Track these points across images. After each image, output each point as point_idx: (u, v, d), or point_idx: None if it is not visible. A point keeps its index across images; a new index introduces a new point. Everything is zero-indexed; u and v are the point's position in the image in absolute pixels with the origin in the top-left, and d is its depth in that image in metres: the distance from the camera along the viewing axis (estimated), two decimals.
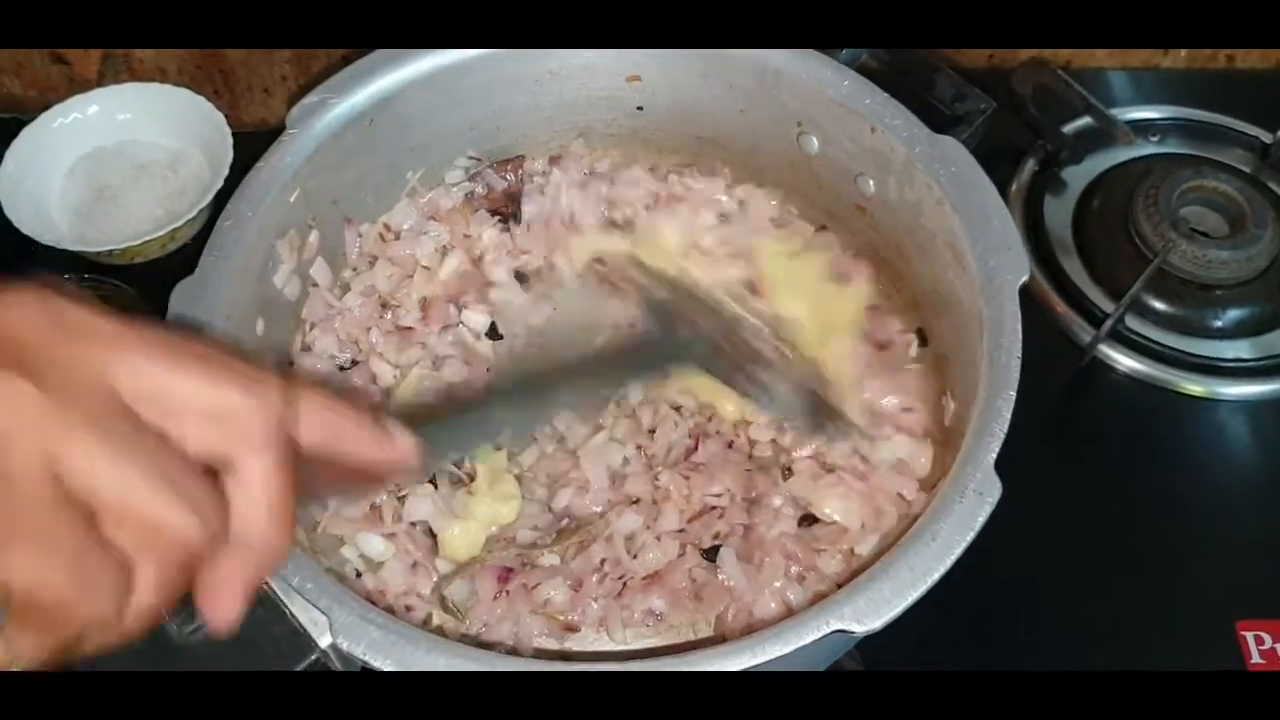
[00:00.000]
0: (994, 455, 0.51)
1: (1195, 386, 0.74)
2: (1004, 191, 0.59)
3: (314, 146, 0.62)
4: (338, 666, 0.50)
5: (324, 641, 0.48)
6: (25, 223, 0.74)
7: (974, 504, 0.49)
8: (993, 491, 0.50)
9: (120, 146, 0.81)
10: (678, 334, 0.63)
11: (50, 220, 0.77)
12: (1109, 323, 0.73)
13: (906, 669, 0.60)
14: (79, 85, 0.83)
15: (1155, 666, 0.62)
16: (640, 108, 0.71)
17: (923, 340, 0.65)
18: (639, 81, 0.69)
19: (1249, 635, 0.63)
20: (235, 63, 0.86)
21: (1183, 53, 0.92)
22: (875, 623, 0.47)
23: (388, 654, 0.47)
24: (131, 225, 0.76)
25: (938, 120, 0.61)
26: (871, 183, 0.64)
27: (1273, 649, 0.63)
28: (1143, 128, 0.86)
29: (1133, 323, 0.76)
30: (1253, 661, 0.62)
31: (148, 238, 0.73)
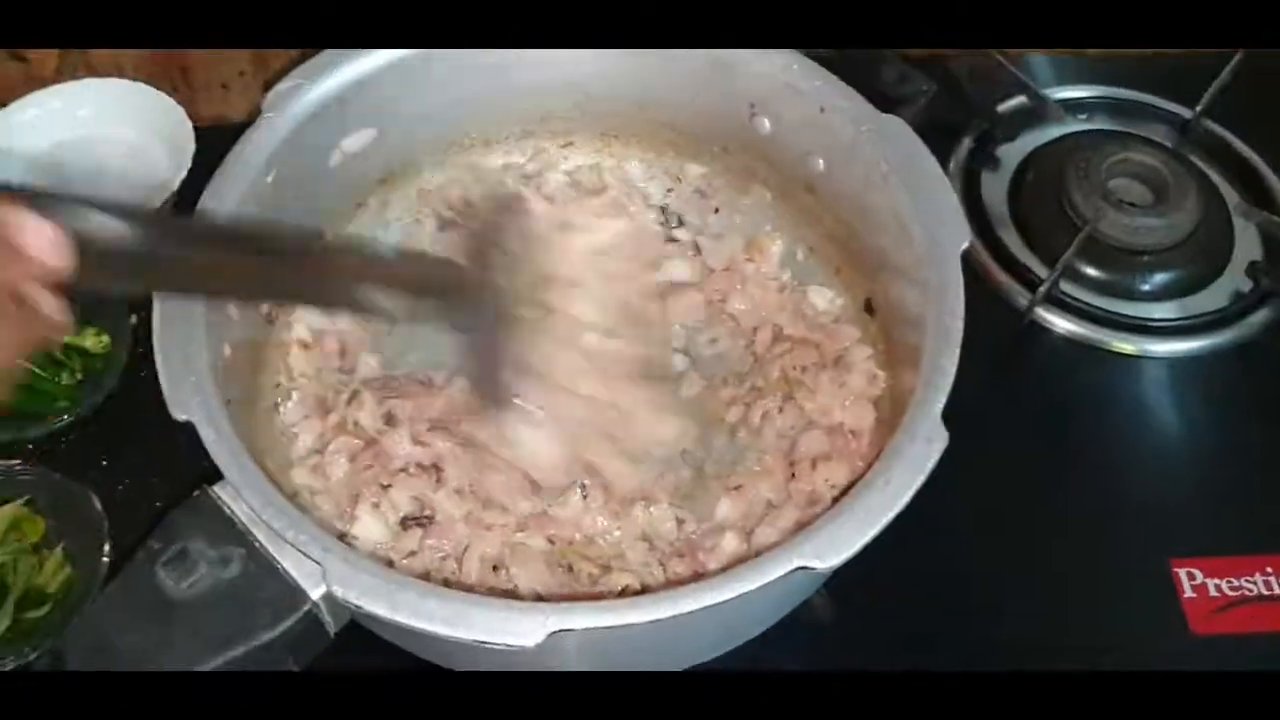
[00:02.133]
0: (940, 405, 0.55)
1: (1126, 345, 0.79)
2: (943, 168, 0.63)
3: (289, 129, 0.64)
4: (328, 620, 0.52)
5: (317, 592, 0.51)
6: None
7: (923, 450, 0.54)
8: (940, 438, 0.54)
9: (80, 141, 0.81)
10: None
11: None
12: (1044, 286, 0.78)
13: (865, 612, 0.65)
14: (36, 82, 0.83)
15: (1095, 606, 0.67)
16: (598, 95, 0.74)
17: (869, 310, 0.70)
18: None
19: (1181, 572, 0.69)
20: (193, 59, 0.88)
21: None
22: (835, 559, 0.50)
23: (380, 598, 0.49)
24: None
25: (882, 102, 0.65)
26: (821, 161, 0.68)
27: (1203, 584, 0.68)
28: (1071, 106, 0.92)
29: (1067, 287, 0.81)
30: (1185, 596, 0.68)
31: None
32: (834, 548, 0.51)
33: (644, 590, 0.60)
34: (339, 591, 0.50)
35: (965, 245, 0.60)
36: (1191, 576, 0.69)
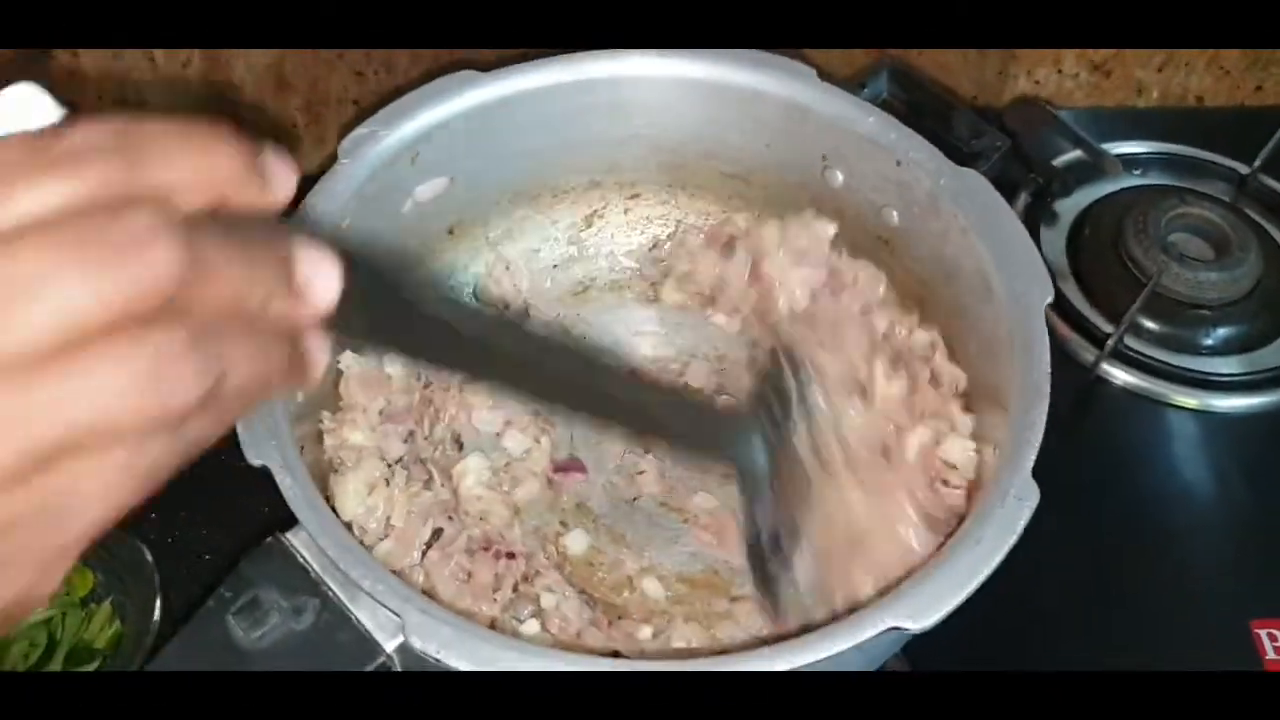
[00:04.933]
0: (1031, 463, 0.54)
1: (1190, 400, 0.78)
2: None
3: (365, 175, 0.64)
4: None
5: (392, 644, 0.49)
6: None
7: (1015, 509, 0.53)
8: (1031, 496, 0.53)
9: None
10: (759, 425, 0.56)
11: None
12: (1112, 341, 0.78)
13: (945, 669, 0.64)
14: None
15: (1166, 666, 0.65)
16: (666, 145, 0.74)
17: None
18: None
19: (1263, 634, 0.67)
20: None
21: (1155, 92, 0.98)
22: (929, 620, 0.49)
23: (462, 652, 0.48)
24: None
25: (955, 156, 0.65)
26: (896, 214, 0.68)
27: None
28: (1125, 161, 0.92)
29: (1130, 342, 0.81)
30: (1268, 659, 0.66)
31: None
32: (928, 607, 0.50)
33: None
34: (418, 644, 0.49)
35: (1049, 300, 0.59)
36: (1274, 638, 0.67)
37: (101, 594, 0.66)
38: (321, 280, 0.31)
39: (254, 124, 0.89)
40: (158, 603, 0.64)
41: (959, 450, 0.60)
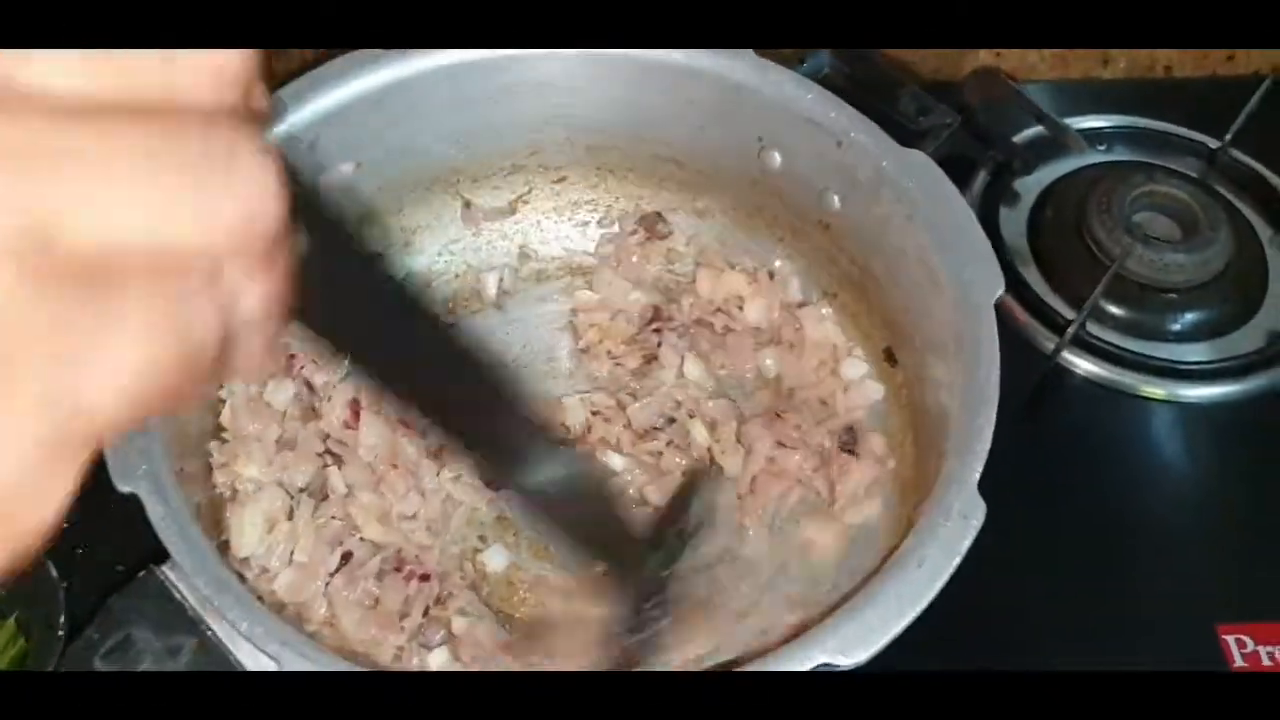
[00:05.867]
0: (977, 475, 0.50)
1: (1157, 389, 0.74)
2: None
3: None
4: None
5: None
6: None
7: (959, 527, 0.49)
8: (977, 513, 0.49)
9: None
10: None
11: None
12: (1072, 329, 0.73)
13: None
14: None
15: (1131, 668, 0.62)
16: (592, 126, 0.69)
17: (891, 360, 0.64)
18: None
19: (1230, 639, 0.63)
20: None
21: (1122, 63, 0.94)
22: (862, 655, 0.45)
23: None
24: None
25: (902, 135, 0.61)
26: (837, 198, 0.63)
27: (1255, 652, 0.63)
28: (1090, 137, 0.87)
29: (1093, 328, 0.76)
30: (1236, 665, 0.62)
31: None
32: (860, 641, 0.46)
33: None
34: None
35: (999, 293, 0.55)
36: (1242, 644, 0.63)
37: (5, 610, 0.61)
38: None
39: None
40: (62, 619, 0.59)
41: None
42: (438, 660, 0.55)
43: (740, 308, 0.67)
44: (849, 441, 0.61)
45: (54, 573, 0.60)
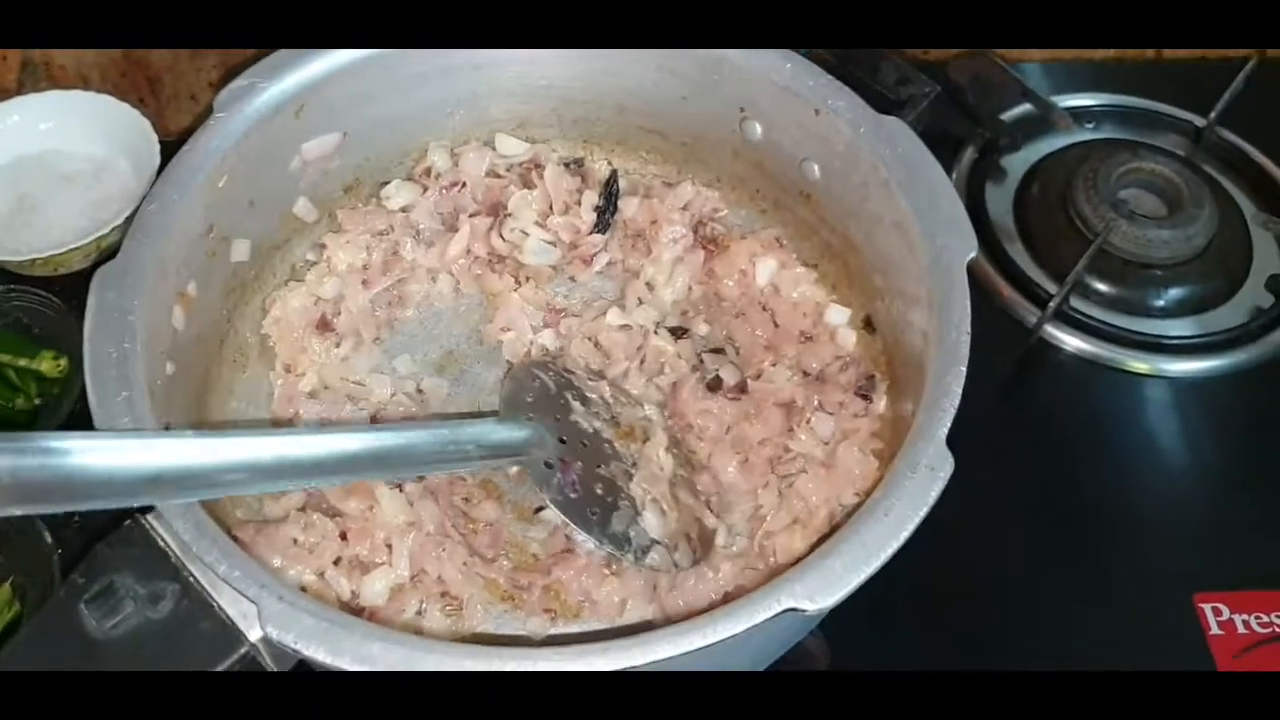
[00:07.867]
0: (945, 430, 0.50)
1: (1140, 364, 0.75)
2: None
3: (242, 130, 0.60)
4: (269, 663, 0.48)
5: (254, 634, 0.46)
6: None
7: (926, 479, 0.49)
8: (945, 466, 0.49)
9: (42, 155, 0.78)
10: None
11: None
12: (1054, 303, 0.74)
13: (867, 655, 0.60)
14: None
15: (1113, 646, 0.63)
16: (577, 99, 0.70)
17: (869, 327, 0.65)
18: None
19: (1207, 608, 0.64)
20: (161, 69, 0.84)
21: None
22: (828, 600, 0.46)
23: (321, 642, 0.45)
24: (55, 235, 0.74)
25: (882, 104, 0.61)
26: (816, 167, 0.64)
27: (1230, 620, 0.63)
28: (1078, 114, 0.87)
29: (1077, 303, 0.77)
30: (1211, 633, 0.63)
31: (70, 246, 0.71)
32: (827, 587, 0.46)
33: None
34: (274, 633, 0.45)
35: (972, 255, 0.55)
36: (1218, 612, 0.64)
37: (1, 575, 0.62)
38: None
39: (170, 85, 0.85)
40: (57, 583, 0.60)
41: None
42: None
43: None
44: (866, 388, 0.62)
45: (49, 539, 0.62)
